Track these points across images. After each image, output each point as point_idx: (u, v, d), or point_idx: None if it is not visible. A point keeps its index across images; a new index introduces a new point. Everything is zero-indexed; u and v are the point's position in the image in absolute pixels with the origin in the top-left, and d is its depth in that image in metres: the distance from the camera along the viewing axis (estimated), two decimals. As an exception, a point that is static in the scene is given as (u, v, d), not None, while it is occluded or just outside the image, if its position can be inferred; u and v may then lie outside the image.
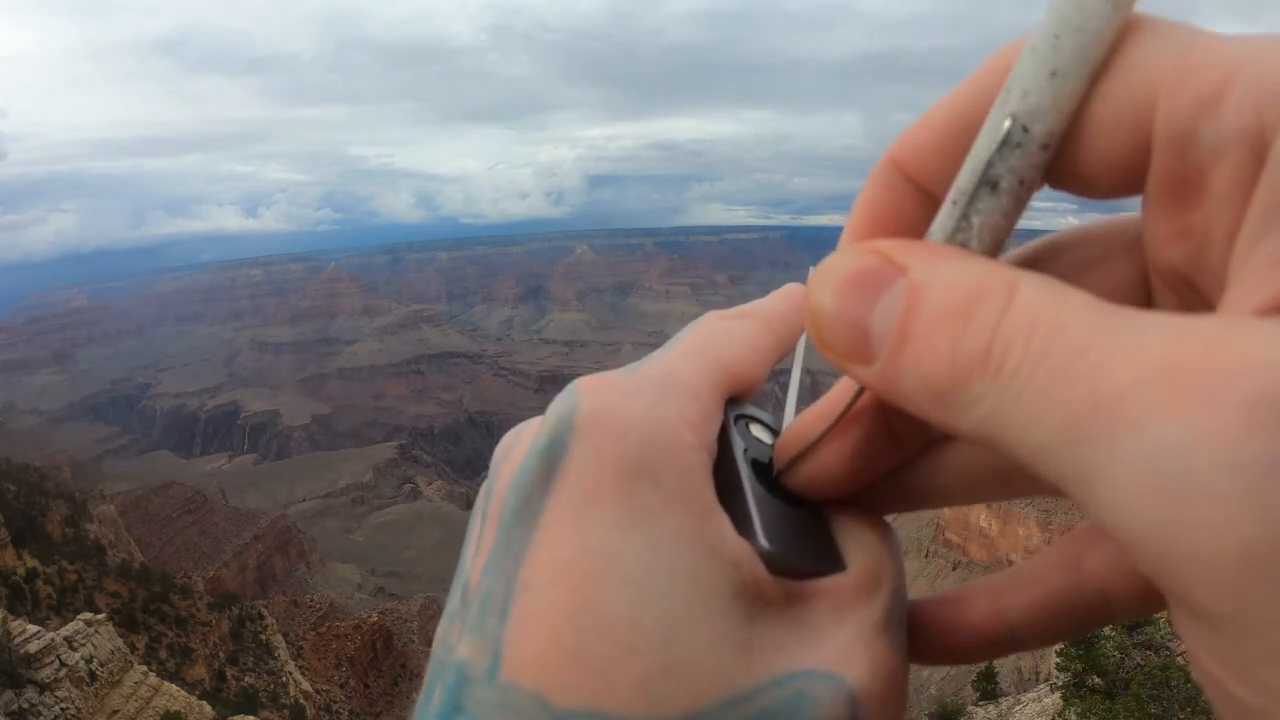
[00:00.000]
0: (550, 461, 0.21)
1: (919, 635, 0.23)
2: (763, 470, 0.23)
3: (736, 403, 0.24)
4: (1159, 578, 0.14)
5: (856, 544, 0.23)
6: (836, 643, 0.21)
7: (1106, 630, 9.74)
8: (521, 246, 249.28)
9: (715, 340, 0.24)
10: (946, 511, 66.23)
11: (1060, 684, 10.20)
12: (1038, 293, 0.16)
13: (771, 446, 0.24)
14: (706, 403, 0.23)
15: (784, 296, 0.27)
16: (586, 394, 0.22)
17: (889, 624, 0.22)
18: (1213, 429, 0.12)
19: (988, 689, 16.76)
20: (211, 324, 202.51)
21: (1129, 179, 0.17)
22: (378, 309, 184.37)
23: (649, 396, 0.22)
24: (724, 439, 0.23)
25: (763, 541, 0.21)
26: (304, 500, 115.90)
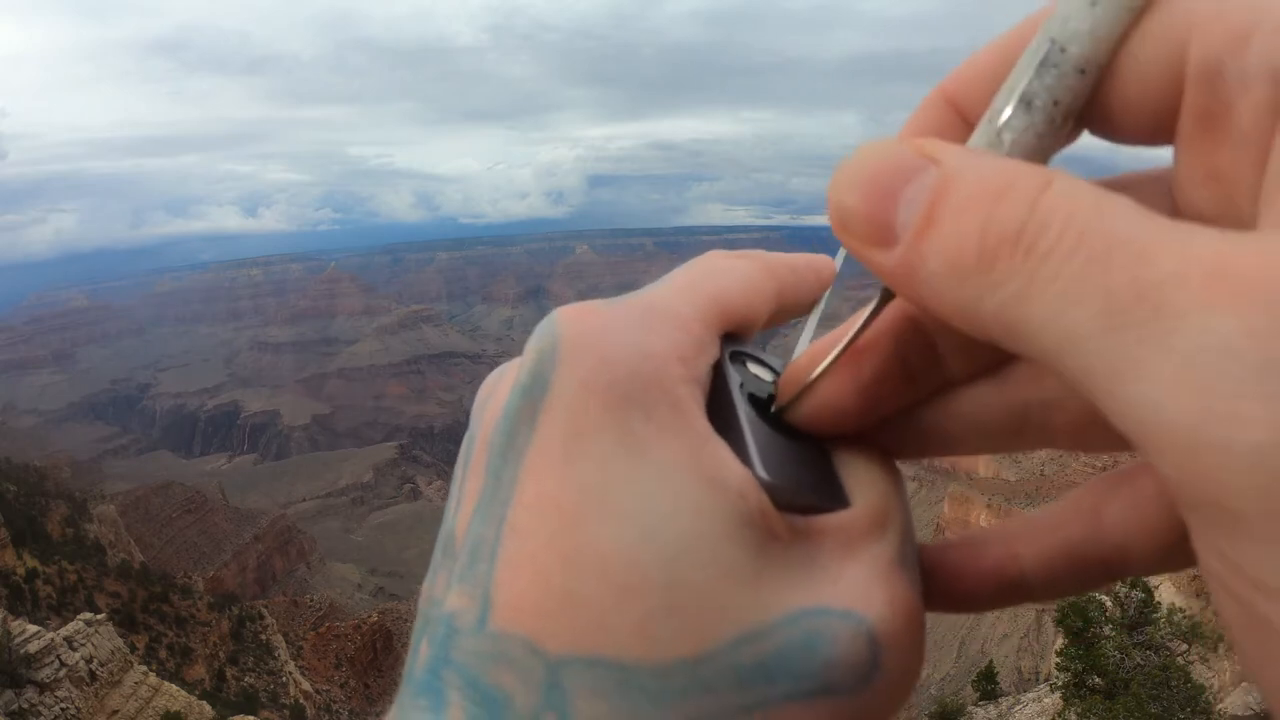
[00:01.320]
0: (534, 396, 0.20)
1: (927, 580, 0.22)
2: (761, 407, 0.22)
3: (733, 340, 0.23)
4: (1187, 480, 0.13)
5: (862, 481, 0.22)
6: (850, 579, 0.20)
7: (1106, 630, 9.74)
8: (521, 246, 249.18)
9: (711, 274, 0.23)
10: (946, 511, 66.27)
11: (1060, 684, 10.19)
12: (1078, 184, 0.15)
13: (772, 384, 0.23)
14: (698, 335, 0.21)
15: (796, 255, 0.26)
16: (568, 323, 0.20)
17: (903, 560, 0.21)
18: (1263, 327, 0.12)
19: (988, 689, 16.76)
20: (211, 324, 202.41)
21: (1161, 121, 0.17)
22: (378, 309, 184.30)
23: (635, 326, 0.21)
24: (719, 374, 0.22)
25: (762, 472, 0.20)
26: (304, 500, 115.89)
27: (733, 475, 0.19)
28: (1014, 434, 0.22)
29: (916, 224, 0.17)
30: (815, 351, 0.22)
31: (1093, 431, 0.21)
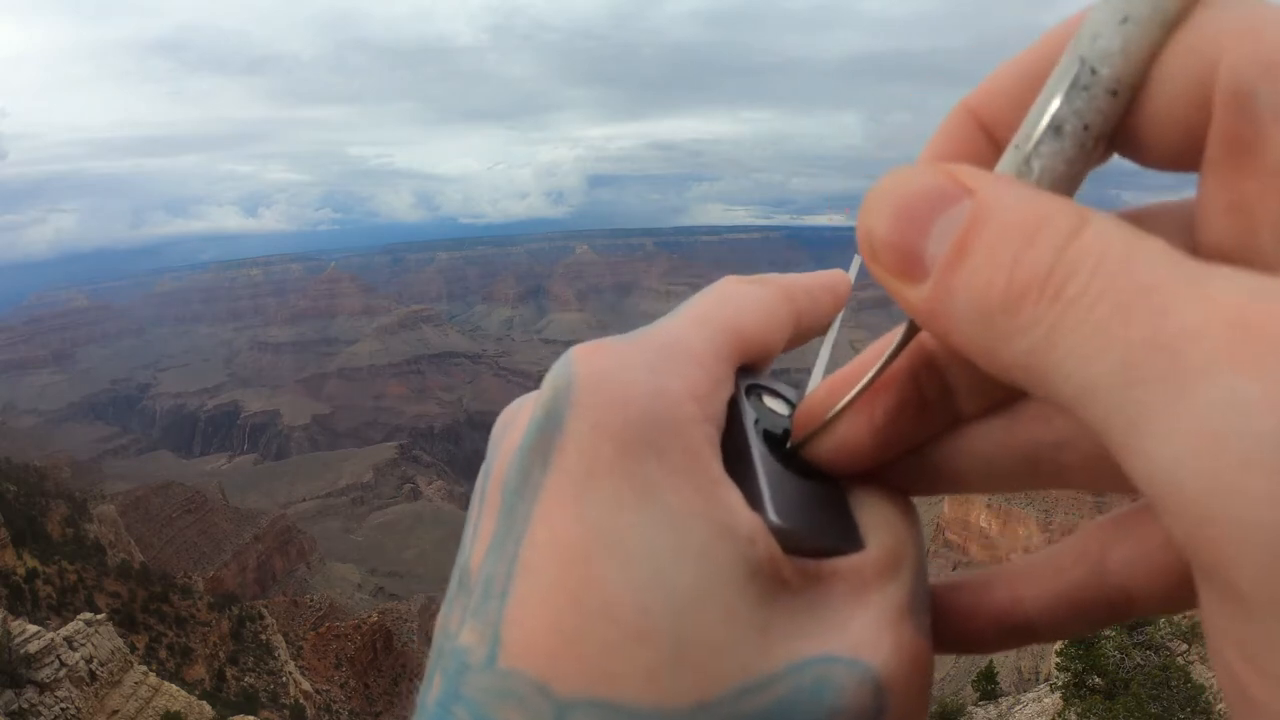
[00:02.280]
0: (548, 435, 0.20)
1: (935, 621, 0.22)
2: (776, 443, 0.22)
3: (749, 373, 0.23)
4: (1195, 547, 0.13)
5: (877, 521, 0.21)
6: (858, 626, 0.20)
7: (1106, 630, 9.69)
8: (521, 246, 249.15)
9: (727, 305, 0.23)
10: (946, 510, 66.23)
11: (1060, 684, 10.20)
12: (1110, 226, 0.15)
13: (787, 418, 0.22)
14: (714, 371, 0.21)
15: (811, 275, 0.25)
16: (583, 361, 0.20)
17: (913, 606, 0.20)
18: None
19: (988, 689, 16.75)
20: (211, 324, 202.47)
21: (1190, 143, 0.17)
22: (378, 309, 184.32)
23: (650, 364, 0.20)
24: (734, 410, 0.22)
25: (773, 517, 0.20)
26: (304, 500, 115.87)
27: (743, 522, 0.19)
28: (1027, 474, 0.21)
29: (947, 258, 0.16)
30: (832, 386, 0.22)
31: (1104, 472, 0.20)
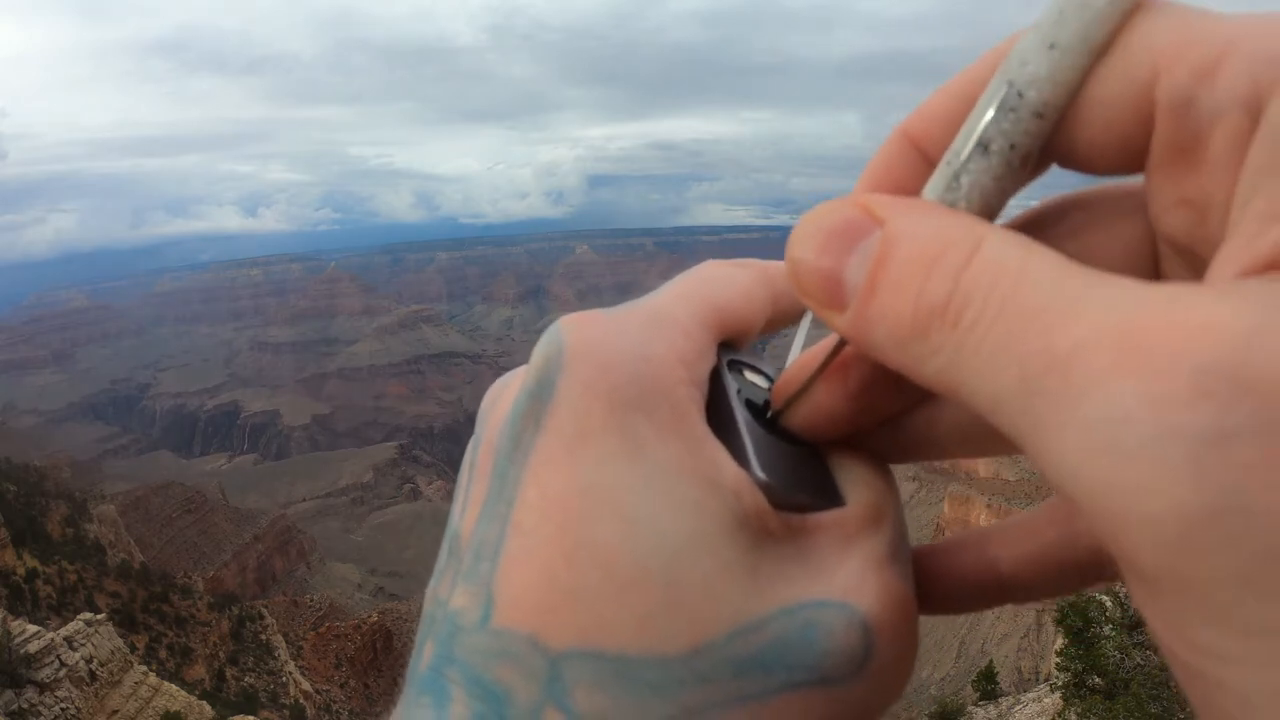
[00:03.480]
0: (540, 400, 0.20)
1: (923, 584, 0.23)
2: (758, 412, 0.23)
3: (730, 348, 0.24)
4: (1104, 536, 0.14)
5: (856, 480, 0.22)
6: (844, 572, 0.20)
7: (1106, 630, 9.74)
8: (521, 246, 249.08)
9: (709, 283, 0.24)
10: (946, 510, 66.25)
11: (1060, 684, 10.20)
12: (1002, 248, 0.16)
13: (767, 390, 0.24)
14: (698, 340, 0.22)
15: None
16: (573, 329, 0.21)
17: (895, 556, 0.21)
18: (1160, 395, 0.13)
19: (988, 689, 16.75)
20: (211, 324, 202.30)
21: (1131, 154, 0.18)
22: (378, 309, 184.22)
23: (637, 331, 0.21)
24: (716, 379, 0.23)
25: (759, 473, 0.21)
26: (304, 500, 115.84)
27: (729, 475, 0.20)
28: (1000, 439, 0.21)
29: (862, 290, 0.17)
30: (807, 360, 0.23)
31: None
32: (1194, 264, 0.18)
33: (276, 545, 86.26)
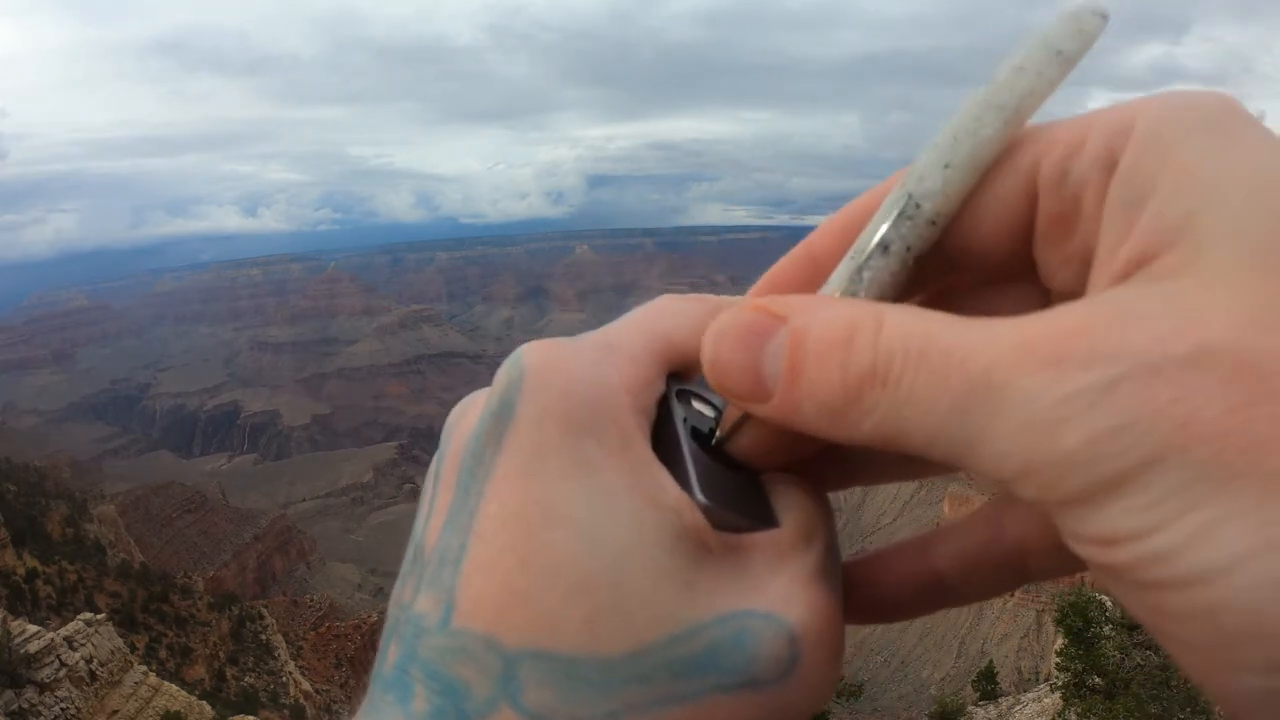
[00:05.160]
0: (501, 420, 0.22)
1: (854, 592, 0.25)
2: (703, 440, 0.25)
3: (679, 379, 0.26)
4: (1039, 495, 0.17)
5: (791, 505, 0.25)
6: (775, 586, 0.22)
7: (1106, 630, 9.72)
8: (521, 246, 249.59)
9: (662, 317, 0.26)
10: (947, 511, 66.22)
11: (1060, 684, 10.20)
12: (902, 314, 0.19)
13: (713, 420, 0.26)
14: (646, 370, 0.24)
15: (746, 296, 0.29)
16: (532, 356, 0.23)
17: (824, 573, 0.24)
18: (1056, 376, 0.17)
19: (988, 689, 16.76)
20: (211, 324, 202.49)
21: (1017, 240, 0.22)
22: (378, 309, 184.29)
23: (591, 360, 0.23)
24: (665, 408, 0.25)
25: (698, 495, 0.23)
26: (304, 500, 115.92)
27: (670, 495, 0.22)
28: (924, 461, 0.24)
29: (785, 378, 0.20)
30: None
31: None
32: None
33: (276, 545, 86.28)
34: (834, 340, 0.20)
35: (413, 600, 0.22)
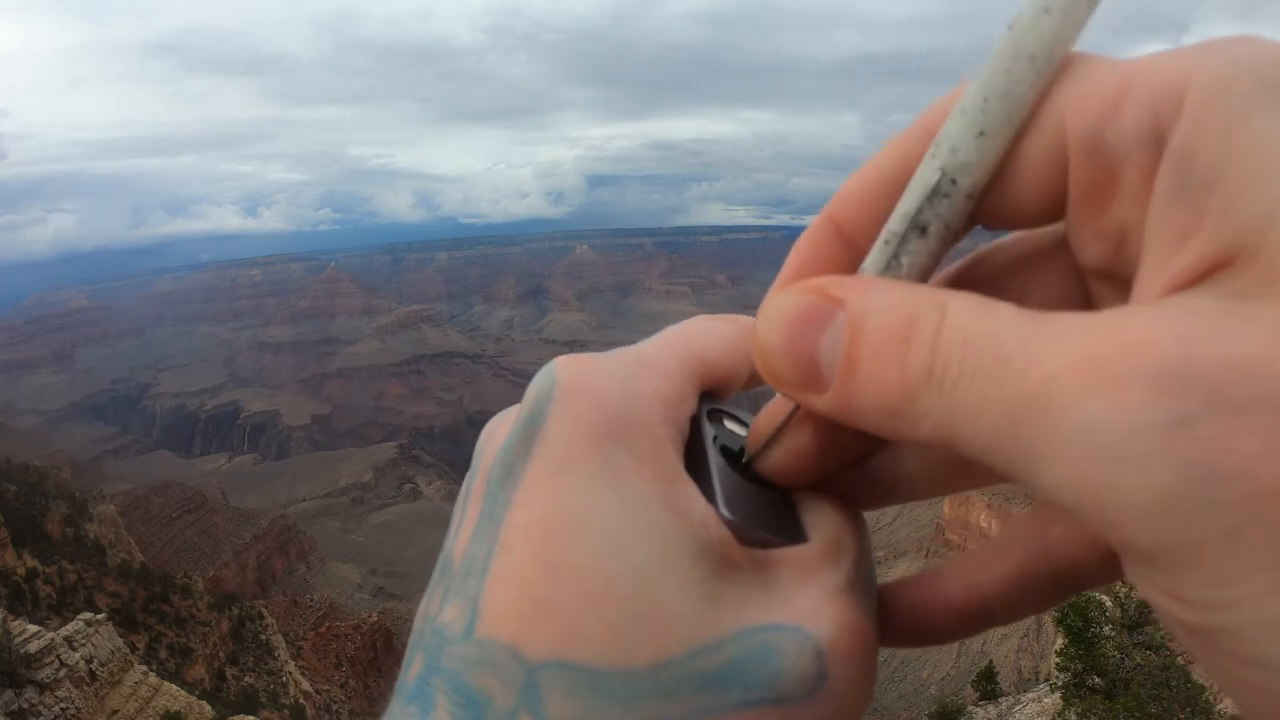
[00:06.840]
0: (532, 430, 0.22)
1: (896, 617, 0.24)
2: (733, 458, 0.25)
3: (711, 398, 0.26)
4: (1104, 531, 0.16)
5: (820, 520, 0.24)
6: (802, 600, 0.22)
7: (1106, 630, 9.73)
8: (521, 246, 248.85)
9: (695, 334, 0.26)
10: (946, 511, 66.21)
11: (1060, 684, 10.19)
12: (965, 310, 0.18)
13: (744, 438, 0.25)
14: (679, 386, 0.24)
15: None
16: (565, 368, 0.23)
17: (854, 587, 0.23)
18: (1124, 402, 0.15)
19: (988, 689, 16.76)
20: (211, 324, 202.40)
21: (1051, 204, 0.20)
22: (378, 309, 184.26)
23: (624, 373, 0.23)
24: (696, 426, 0.25)
25: (724, 510, 0.22)
26: (304, 500, 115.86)
27: (697, 509, 0.22)
28: (964, 474, 0.24)
29: (841, 369, 0.19)
30: (774, 410, 0.24)
31: None
32: (1116, 284, 0.20)
33: (276, 545, 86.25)
34: (893, 333, 0.18)
35: (439, 611, 0.22)
